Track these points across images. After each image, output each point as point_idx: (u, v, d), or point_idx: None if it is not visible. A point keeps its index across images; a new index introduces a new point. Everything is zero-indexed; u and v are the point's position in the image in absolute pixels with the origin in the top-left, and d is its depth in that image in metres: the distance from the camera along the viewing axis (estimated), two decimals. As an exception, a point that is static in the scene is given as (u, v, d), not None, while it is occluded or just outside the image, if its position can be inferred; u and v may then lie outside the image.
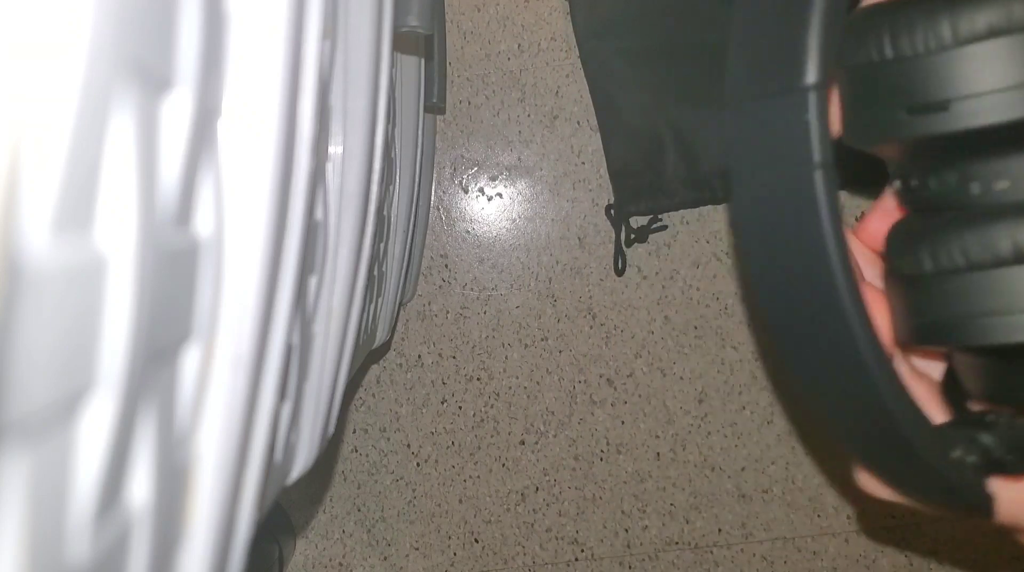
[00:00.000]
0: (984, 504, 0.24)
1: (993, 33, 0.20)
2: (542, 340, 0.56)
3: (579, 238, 0.55)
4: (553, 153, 0.55)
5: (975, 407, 0.26)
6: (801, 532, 0.56)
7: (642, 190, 0.53)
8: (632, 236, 0.54)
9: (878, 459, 0.25)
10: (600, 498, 0.56)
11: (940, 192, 0.23)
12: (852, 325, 0.21)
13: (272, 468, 0.24)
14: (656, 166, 0.53)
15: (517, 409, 0.56)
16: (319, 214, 0.25)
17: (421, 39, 0.42)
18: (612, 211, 0.54)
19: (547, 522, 0.56)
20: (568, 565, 0.56)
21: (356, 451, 0.56)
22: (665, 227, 0.55)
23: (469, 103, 0.55)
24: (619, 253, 0.55)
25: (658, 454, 0.56)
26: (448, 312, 0.56)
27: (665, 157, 0.53)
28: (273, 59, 0.16)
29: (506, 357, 0.56)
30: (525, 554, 0.56)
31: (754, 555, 0.56)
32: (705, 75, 0.53)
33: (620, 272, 0.55)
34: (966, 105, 0.20)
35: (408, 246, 0.44)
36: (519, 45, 0.55)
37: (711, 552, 0.56)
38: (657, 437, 0.56)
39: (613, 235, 0.55)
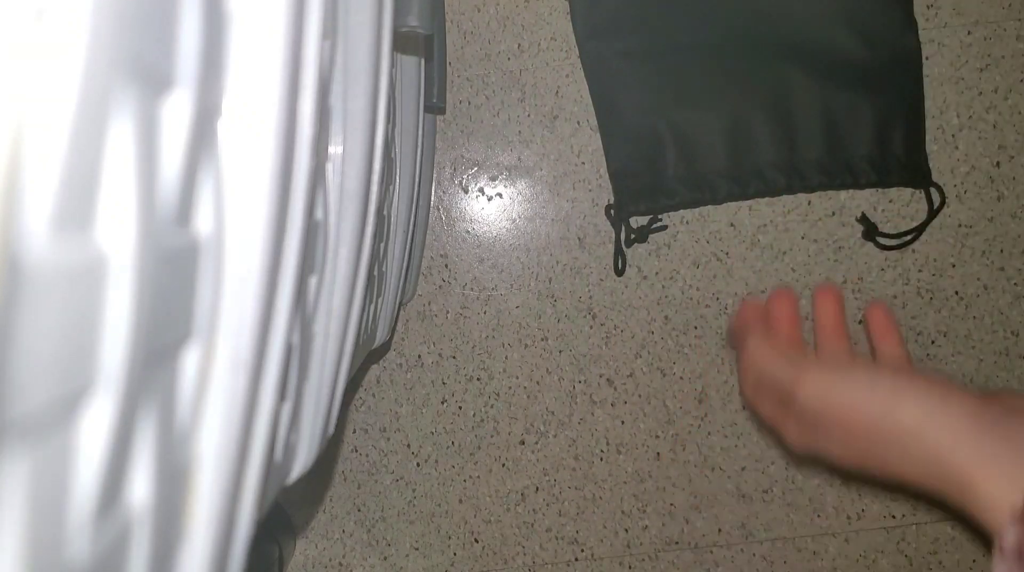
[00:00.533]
0: None
1: None
2: (542, 340, 0.56)
3: (579, 238, 0.55)
4: (553, 153, 0.55)
5: None
6: (801, 532, 0.56)
7: (642, 190, 0.53)
8: (632, 236, 0.54)
9: None
10: (600, 498, 0.56)
11: None
12: None
13: (272, 468, 0.24)
14: (656, 166, 0.53)
15: (517, 409, 0.56)
16: (319, 214, 0.25)
17: (421, 39, 0.42)
18: (612, 211, 0.54)
19: (547, 522, 0.56)
20: (568, 565, 0.56)
21: (356, 451, 0.56)
22: (665, 227, 0.55)
23: (469, 103, 0.55)
24: (619, 253, 0.55)
25: (658, 454, 0.56)
26: (448, 312, 0.56)
27: (665, 157, 0.53)
28: (273, 59, 0.16)
29: (506, 357, 0.56)
30: (525, 554, 0.56)
31: (754, 555, 0.56)
32: (705, 75, 0.53)
33: (620, 272, 0.55)
34: None
35: (408, 246, 0.44)
36: (519, 45, 0.55)
37: (711, 552, 0.56)
38: (657, 437, 0.56)
39: (613, 235, 0.55)
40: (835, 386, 0.33)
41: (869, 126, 0.53)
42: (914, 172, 0.54)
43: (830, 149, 0.53)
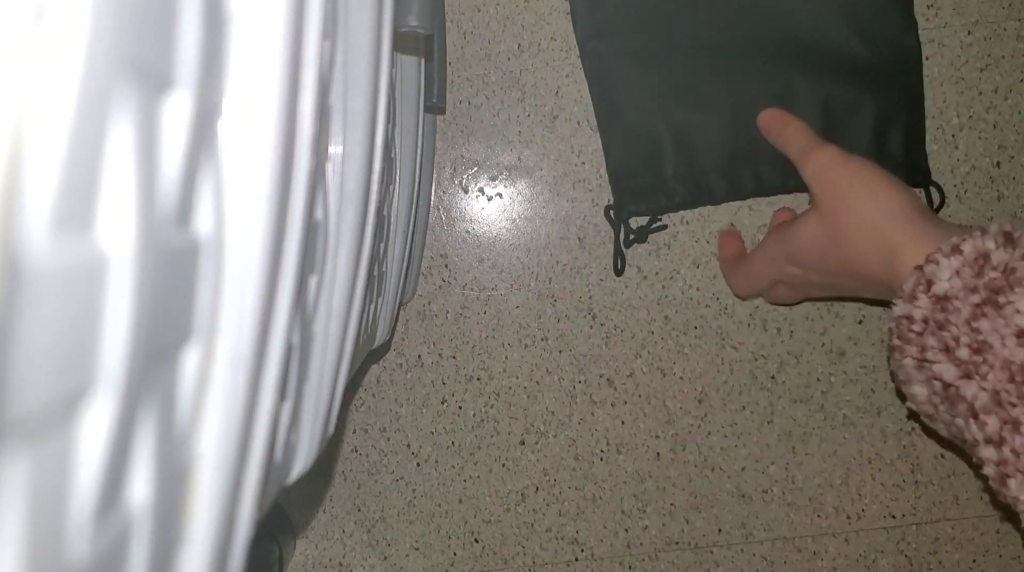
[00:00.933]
0: None
1: None
2: (542, 340, 0.56)
3: (579, 238, 0.55)
4: (553, 153, 0.55)
5: None
6: (801, 532, 0.56)
7: (642, 190, 0.53)
8: (632, 236, 0.54)
9: None
10: (600, 498, 0.56)
11: None
12: None
13: (272, 468, 0.24)
14: (656, 166, 0.53)
15: (517, 409, 0.56)
16: (319, 214, 0.25)
17: (421, 39, 0.42)
18: (612, 211, 0.54)
19: (547, 522, 0.56)
20: (568, 565, 0.56)
21: (356, 451, 0.56)
22: (665, 227, 0.55)
23: (469, 103, 0.55)
24: (619, 253, 0.55)
25: (658, 454, 0.56)
26: (448, 312, 0.56)
27: (665, 158, 0.53)
28: (273, 59, 0.16)
29: (506, 357, 0.56)
30: (525, 554, 0.56)
31: (754, 555, 0.56)
32: (705, 75, 0.53)
33: (620, 272, 0.55)
34: None
35: (408, 246, 0.44)
36: (519, 45, 0.55)
37: (711, 552, 0.56)
38: (657, 437, 0.56)
39: (613, 235, 0.55)
40: (843, 160, 0.43)
41: (869, 126, 0.53)
42: (914, 171, 0.54)
43: (830, 149, 0.53)
